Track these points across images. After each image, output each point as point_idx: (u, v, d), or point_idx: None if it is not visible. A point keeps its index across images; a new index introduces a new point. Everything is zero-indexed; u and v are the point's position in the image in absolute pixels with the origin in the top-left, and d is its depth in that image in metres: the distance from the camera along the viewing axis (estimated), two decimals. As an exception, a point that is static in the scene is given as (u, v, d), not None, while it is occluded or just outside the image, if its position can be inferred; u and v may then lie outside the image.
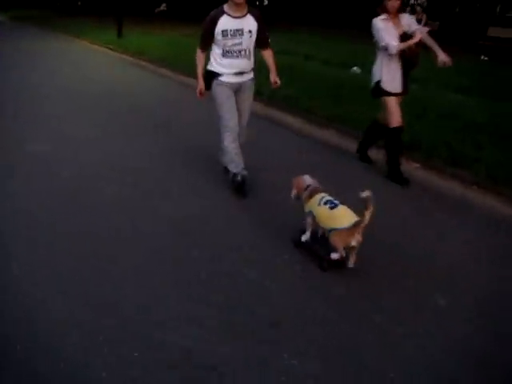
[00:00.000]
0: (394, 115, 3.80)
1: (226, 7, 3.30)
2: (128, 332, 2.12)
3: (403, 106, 3.91)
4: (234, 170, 3.53)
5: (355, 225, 2.41)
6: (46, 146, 4.52)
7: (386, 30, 3.62)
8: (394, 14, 3.65)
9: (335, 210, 2.51)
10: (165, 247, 2.82)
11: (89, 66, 10.46)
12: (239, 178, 3.49)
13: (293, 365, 1.96)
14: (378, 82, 3.82)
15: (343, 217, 2.47)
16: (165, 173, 4.00)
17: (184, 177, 3.92)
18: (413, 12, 12.26)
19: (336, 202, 2.57)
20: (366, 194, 2.37)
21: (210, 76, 3.49)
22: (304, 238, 2.79)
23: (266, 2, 29.77)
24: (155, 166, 4.14)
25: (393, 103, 3.80)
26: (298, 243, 2.84)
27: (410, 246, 2.94)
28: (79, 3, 37.65)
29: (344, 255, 2.52)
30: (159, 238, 2.92)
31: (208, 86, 3.52)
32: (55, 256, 2.67)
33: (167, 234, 2.97)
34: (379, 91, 3.84)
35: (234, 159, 3.51)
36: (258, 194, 3.60)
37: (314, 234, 2.79)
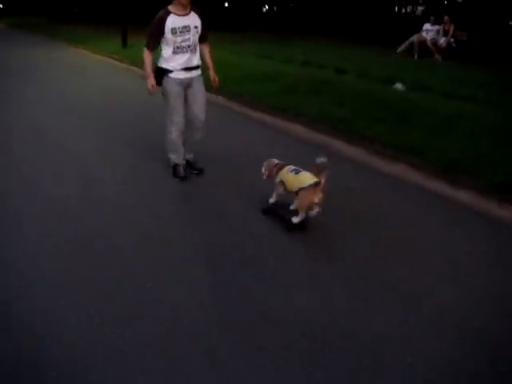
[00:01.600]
0: None
1: (171, 8, 3.56)
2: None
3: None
4: (176, 161, 3.93)
5: (316, 184, 2.93)
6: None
7: None
8: None
9: (300, 174, 3.05)
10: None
11: (98, 78, 9.60)
12: (181, 168, 3.93)
13: None
14: None
15: (306, 178, 2.99)
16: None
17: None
18: (439, 22, 11.48)
19: (300, 169, 3.09)
20: (321, 159, 2.93)
21: (161, 73, 3.67)
22: (271, 200, 3.33)
23: (275, 9, 28.95)
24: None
25: None
26: (266, 211, 3.34)
27: None
28: (75, 10, 36.78)
29: (304, 216, 3.04)
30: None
31: (159, 82, 3.68)
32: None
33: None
34: None
35: (178, 150, 3.88)
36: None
37: (281, 203, 3.28)
